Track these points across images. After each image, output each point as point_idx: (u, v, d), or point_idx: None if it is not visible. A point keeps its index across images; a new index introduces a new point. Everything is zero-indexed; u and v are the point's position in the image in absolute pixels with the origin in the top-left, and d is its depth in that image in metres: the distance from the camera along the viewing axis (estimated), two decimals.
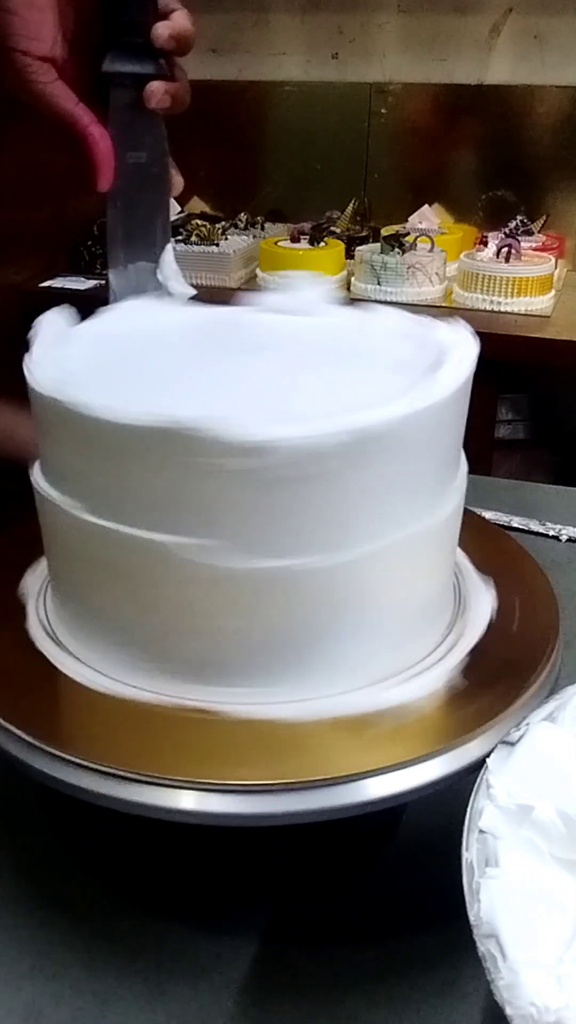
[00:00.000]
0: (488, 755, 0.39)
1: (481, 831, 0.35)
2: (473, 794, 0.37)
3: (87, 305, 0.52)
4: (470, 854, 0.35)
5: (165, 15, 0.53)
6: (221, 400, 0.43)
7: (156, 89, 0.53)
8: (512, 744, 0.39)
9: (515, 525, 0.81)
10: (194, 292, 0.56)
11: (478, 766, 0.39)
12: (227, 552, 0.40)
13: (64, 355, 0.46)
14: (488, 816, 0.36)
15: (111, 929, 0.45)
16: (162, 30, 0.52)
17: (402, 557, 0.44)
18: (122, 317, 0.53)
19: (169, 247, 0.56)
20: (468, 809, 0.37)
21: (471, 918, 0.33)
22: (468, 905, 0.33)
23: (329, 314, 0.54)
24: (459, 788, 0.39)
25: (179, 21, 0.53)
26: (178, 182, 0.58)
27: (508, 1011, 0.30)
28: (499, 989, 0.30)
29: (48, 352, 0.45)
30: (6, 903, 0.46)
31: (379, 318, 0.52)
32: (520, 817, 0.35)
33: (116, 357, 0.48)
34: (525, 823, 0.35)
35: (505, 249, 1.73)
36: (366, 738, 0.42)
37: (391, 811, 0.41)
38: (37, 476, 0.46)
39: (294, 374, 0.47)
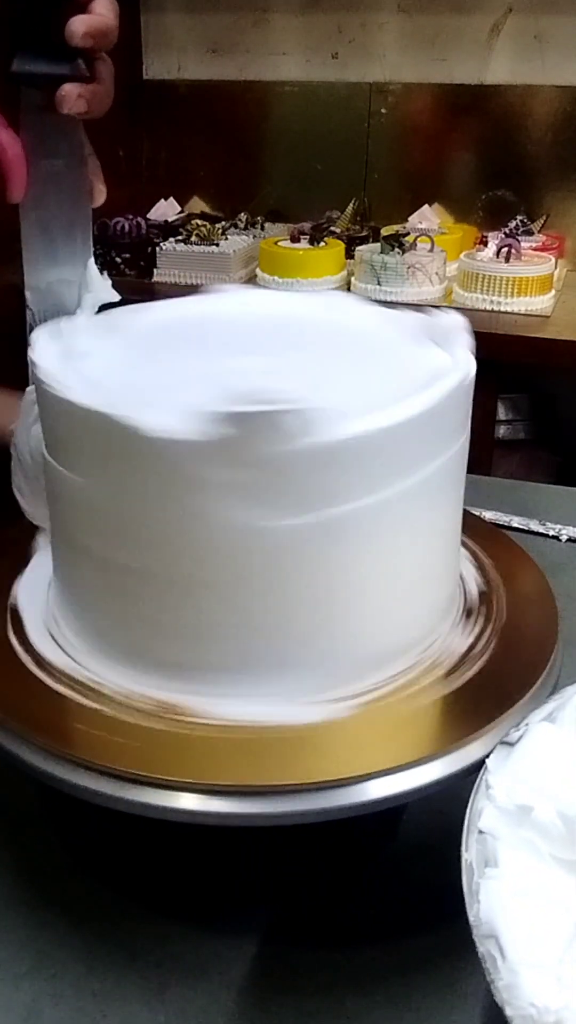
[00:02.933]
0: (488, 756, 0.39)
1: (480, 831, 0.35)
2: (473, 794, 0.37)
3: None
4: (470, 854, 0.35)
5: (84, 5, 0.47)
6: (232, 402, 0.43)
7: (68, 93, 0.47)
8: (511, 744, 0.39)
9: (515, 525, 0.81)
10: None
11: (478, 767, 0.39)
12: (233, 518, 0.40)
13: (75, 360, 0.46)
14: (488, 816, 0.36)
15: (111, 929, 0.45)
16: (77, 26, 0.46)
17: (399, 516, 0.44)
18: (126, 313, 0.53)
19: (91, 261, 0.52)
20: (468, 810, 0.37)
21: (471, 918, 0.33)
22: (468, 905, 0.33)
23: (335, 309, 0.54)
24: (459, 788, 0.39)
25: (98, 14, 0.47)
26: (100, 191, 0.52)
27: (508, 1012, 0.30)
28: (499, 990, 0.30)
29: (55, 356, 0.45)
30: (6, 903, 0.46)
31: (388, 316, 0.52)
32: (520, 817, 0.35)
33: (125, 354, 0.48)
34: (525, 823, 0.35)
35: (505, 249, 1.73)
36: (366, 738, 0.42)
37: (391, 811, 0.41)
38: (48, 458, 0.46)
39: (293, 371, 0.47)
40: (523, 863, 0.34)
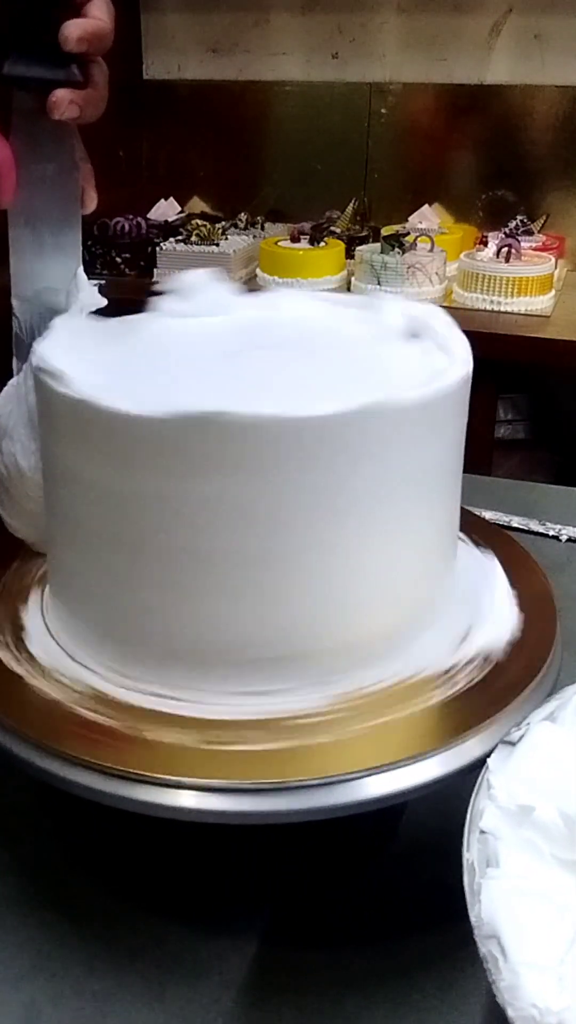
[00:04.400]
0: (488, 754, 0.39)
1: (482, 831, 0.35)
2: (474, 794, 0.37)
3: None
4: (471, 854, 0.35)
5: (79, 7, 0.46)
6: (232, 394, 0.43)
7: (61, 98, 0.46)
8: (513, 744, 0.39)
9: (515, 525, 0.80)
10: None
11: (478, 765, 0.39)
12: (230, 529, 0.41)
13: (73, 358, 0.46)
14: (489, 816, 0.36)
15: (111, 929, 0.45)
16: (71, 30, 0.45)
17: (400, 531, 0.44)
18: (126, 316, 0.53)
19: (80, 269, 0.51)
20: (469, 809, 0.37)
21: (472, 919, 0.33)
22: (469, 906, 0.33)
23: (328, 307, 0.54)
24: (459, 788, 0.39)
25: (94, 18, 0.46)
26: (91, 197, 0.51)
27: (509, 1012, 0.30)
28: (500, 990, 0.30)
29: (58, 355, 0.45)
30: (6, 903, 0.46)
31: (380, 310, 0.53)
32: (521, 817, 0.35)
33: (126, 356, 0.48)
34: (526, 823, 0.35)
35: (505, 249, 1.73)
36: (366, 736, 0.42)
37: (391, 810, 0.41)
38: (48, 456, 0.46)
39: (296, 368, 0.47)
40: (524, 863, 0.34)
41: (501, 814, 0.36)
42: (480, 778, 0.38)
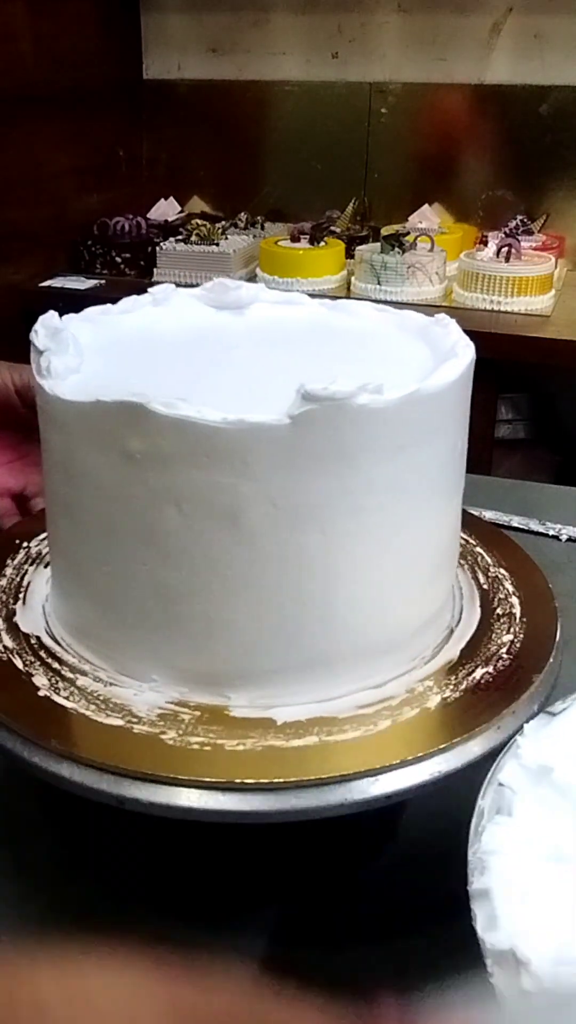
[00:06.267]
0: (487, 755, 0.40)
1: (500, 784, 0.36)
2: (501, 754, 0.38)
3: (86, 305, 0.52)
4: (484, 801, 0.35)
5: None
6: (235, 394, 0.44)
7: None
8: (554, 714, 0.40)
9: (515, 525, 0.80)
10: None
11: (478, 764, 0.39)
12: (239, 525, 0.41)
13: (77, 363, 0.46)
14: (509, 771, 0.36)
15: (111, 929, 0.45)
16: None
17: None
18: (120, 318, 0.53)
19: None
20: (492, 767, 0.37)
21: (469, 856, 0.33)
22: (469, 844, 0.33)
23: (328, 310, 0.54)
24: (459, 789, 0.39)
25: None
26: None
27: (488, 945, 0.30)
28: (484, 941, 0.30)
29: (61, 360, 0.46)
30: (6, 903, 0.46)
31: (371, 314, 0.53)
32: (540, 776, 0.36)
33: (127, 359, 0.48)
34: (544, 782, 0.35)
35: (505, 249, 1.73)
36: (367, 737, 0.42)
37: (391, 811, 0.41)
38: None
39: (296, 367, 0.47)
40: (537, 817, 0.34)
41: (522, 770, 0.36)
42: (511, 741, 0.38)
